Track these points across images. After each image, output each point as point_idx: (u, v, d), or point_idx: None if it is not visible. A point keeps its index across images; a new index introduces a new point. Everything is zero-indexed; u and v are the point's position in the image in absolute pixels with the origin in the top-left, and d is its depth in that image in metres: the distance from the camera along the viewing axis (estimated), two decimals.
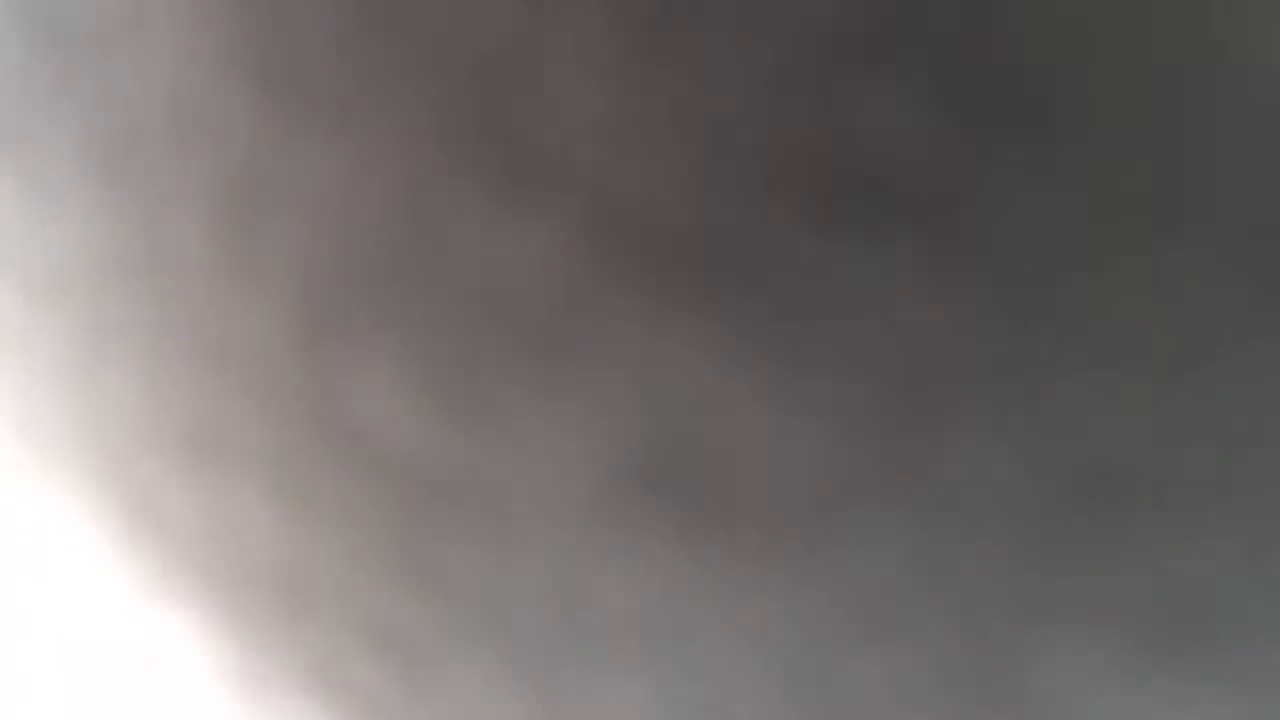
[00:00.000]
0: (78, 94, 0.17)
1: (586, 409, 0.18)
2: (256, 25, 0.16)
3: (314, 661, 0.24)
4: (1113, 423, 0.16)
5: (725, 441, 0.18)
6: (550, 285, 0.17)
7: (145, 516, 0.23)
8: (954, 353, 0.16)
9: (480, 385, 0.18)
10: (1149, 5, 0.14)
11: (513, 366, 0.18)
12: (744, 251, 0.16)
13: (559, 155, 0.16)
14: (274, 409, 0.20)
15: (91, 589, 0.24)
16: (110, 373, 0.21)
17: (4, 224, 0.19)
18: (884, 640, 0.19)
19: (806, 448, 0.17)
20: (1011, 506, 0.17)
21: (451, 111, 0.16)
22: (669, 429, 0.18)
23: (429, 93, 0.16)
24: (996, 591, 0.18)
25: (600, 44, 0.15)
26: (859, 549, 0.18)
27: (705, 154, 0.15)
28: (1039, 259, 0.15)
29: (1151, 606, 0.17)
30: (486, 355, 0.18)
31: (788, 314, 0.16)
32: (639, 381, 0.17)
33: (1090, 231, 0.15)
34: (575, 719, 0.22)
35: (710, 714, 0.20)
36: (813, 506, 0.18)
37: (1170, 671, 0.17)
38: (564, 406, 0.18)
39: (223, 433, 0.21)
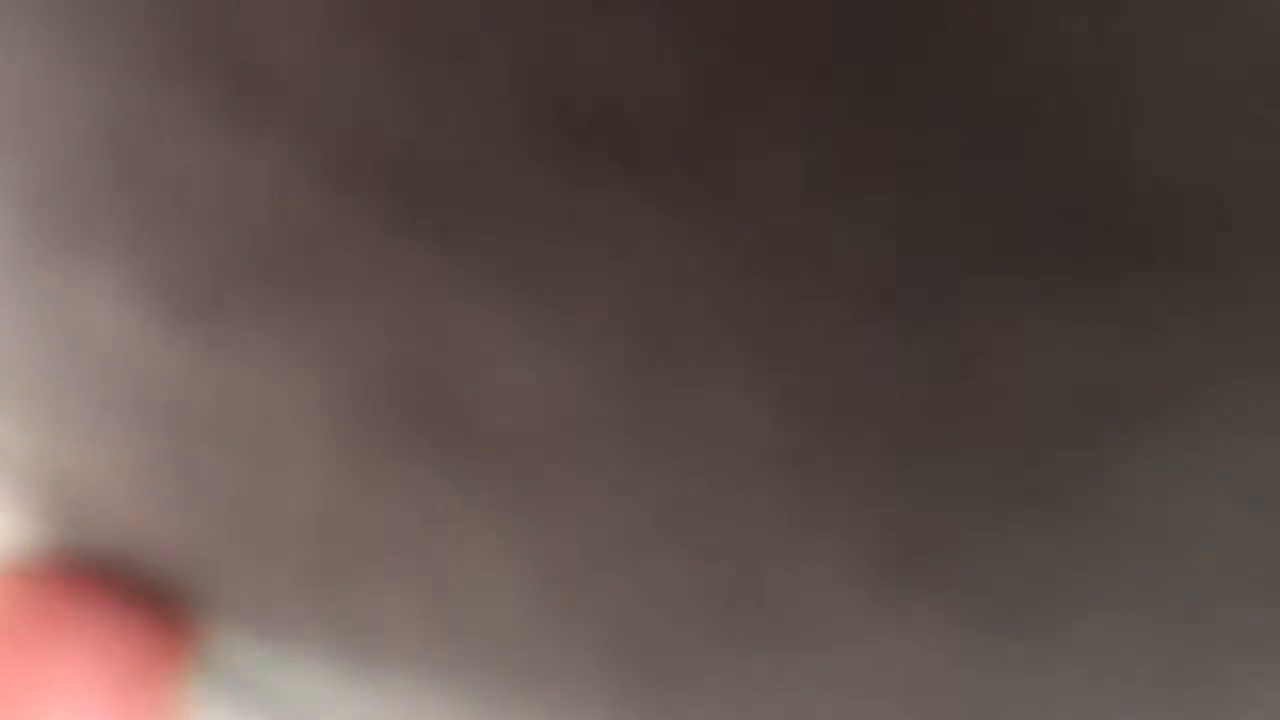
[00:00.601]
0: None
1: (330, 337, 0.18)
2: None
3: None
4: (860, 369, 0.16)
5: (468, 374, 0.18)
6: (282, 210, 0.17)
7: None
8: (701, 295, 0.16)
9: (221, 308, 0.18)
10: None
11: (252, 290, 0.18)
12: (478, 182, 0.16)
13: (282, 75, 0.15)
14: (12, 317, 0.19)
15: None
16: None
17: None
18: (623, 570, 0.19)
19: (550, 384, 0.17)
20: (759, 451, 0.17)
21: (164, 17, 0.15)
22: (414, 361, 0.18)
23: None
24: (740, 530, 0.18)
25: None
26: (602, 483, 0.18)
27: (436, 80, 0.15)
28: (786, 205, 0.15)
29: (892, 530, 0.18)
30: (222, 276, 0.18)
31: (528, 250, 0.16)
32: (381, 312, 0.17)
33: (836, 183, 0.15)
34: (353, 625, 0.22)
35: (474, 619, 0.21)
36: (556, 440, 0.18)
37: (900, 583, 0.18)
38: (307, 334, 0.18)
39: None
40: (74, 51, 0.16)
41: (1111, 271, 0.15)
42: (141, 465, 0.21)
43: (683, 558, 0.19)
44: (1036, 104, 0.14)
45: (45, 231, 0.18)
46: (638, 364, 0.17)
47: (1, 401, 0.21)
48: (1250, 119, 0.14)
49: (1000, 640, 0.19)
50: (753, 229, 0.16)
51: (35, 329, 0.19)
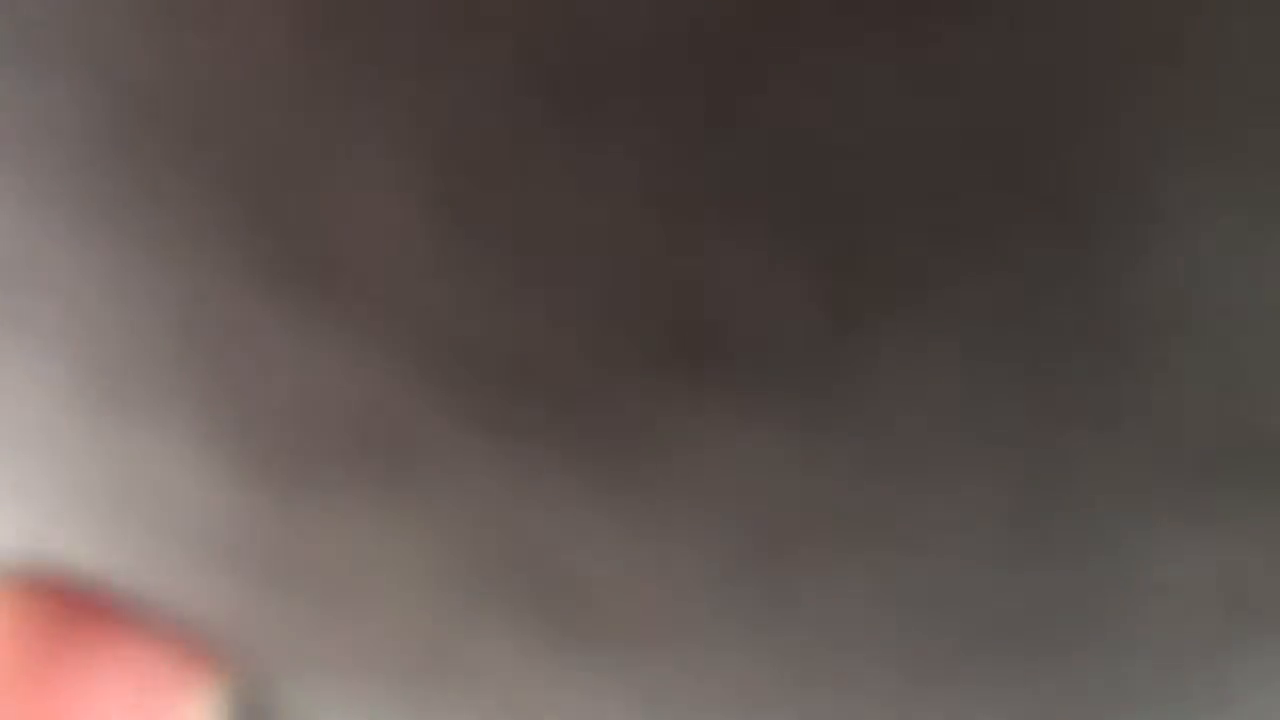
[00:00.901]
0: None
1: (426, 525, 0.17)
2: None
3: None
4: (989, 575, 0.16)
5: (571, 548, 0.17)
6: (360, 399, 0.16)
7: None
8: (817, 501, 0.15)
9: (298, 482, 0.17)
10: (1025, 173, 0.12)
11: (332, 468, 0.17)
12: (577, 386, 0.15)
13: (372, 275, 0.14)
14: (82, 486, 0.18)
15: None
16: None
17: None
18: None
19: (660, 566, 0.17)
20: (882, 642, 0.17)
21: (238, 219, 0.14)
22: (515, 532, 0.17)
23: (212, 193, 0.14)
24: (864, 702, 0.18)
25: (414, 168, 0.13)
26: (715, 659, 0.18)
27: (533, 292, 0.14)
28: (904, 420, 0.14)
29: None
30: (297, 457, 0.17)
31: (629, 450, 0.15)
32: (477, 490, 0.16)
33: (969, 404, 0.14)
34: None
35: None
36: (669, 616, 0.17)
37: None
38: (396, 505, 0.17)
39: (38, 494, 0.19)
40: (150, 246, 0.15)
41: (1246, 490, 0.14)
42: (206, 587, 0.19)
43: None
44: (1182, 329, 0.13)
45: (117, 401, 0.17)
46: (753, 557, 0.16)
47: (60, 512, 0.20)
48: None
49: None
50: (879, 440, 0.14)
51: (103, 467, 0.18)
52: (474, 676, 0.19)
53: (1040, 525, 0.15)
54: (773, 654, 0.17)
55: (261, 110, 0.13)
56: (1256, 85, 0.11)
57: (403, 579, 0.18)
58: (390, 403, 0.15)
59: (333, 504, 0.17)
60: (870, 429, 0.14)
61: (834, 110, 0.12)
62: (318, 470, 0.17)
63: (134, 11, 0.13)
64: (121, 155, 0.14)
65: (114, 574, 0.20)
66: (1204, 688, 0.16)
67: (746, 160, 0.12)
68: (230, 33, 0.12)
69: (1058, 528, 0.15)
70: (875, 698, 0.17)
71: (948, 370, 0.14)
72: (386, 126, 0.13)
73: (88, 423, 0.17)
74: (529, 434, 0.15)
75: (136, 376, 0.16)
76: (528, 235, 0.13)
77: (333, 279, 0.14)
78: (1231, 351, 0.13)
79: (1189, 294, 0.13)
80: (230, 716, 0.24)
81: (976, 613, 0.16)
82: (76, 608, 0.22)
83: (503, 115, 0.12)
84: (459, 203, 0.13)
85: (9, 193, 0.15)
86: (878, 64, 0.11)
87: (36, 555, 0.22)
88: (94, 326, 0.16)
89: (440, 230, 0.14)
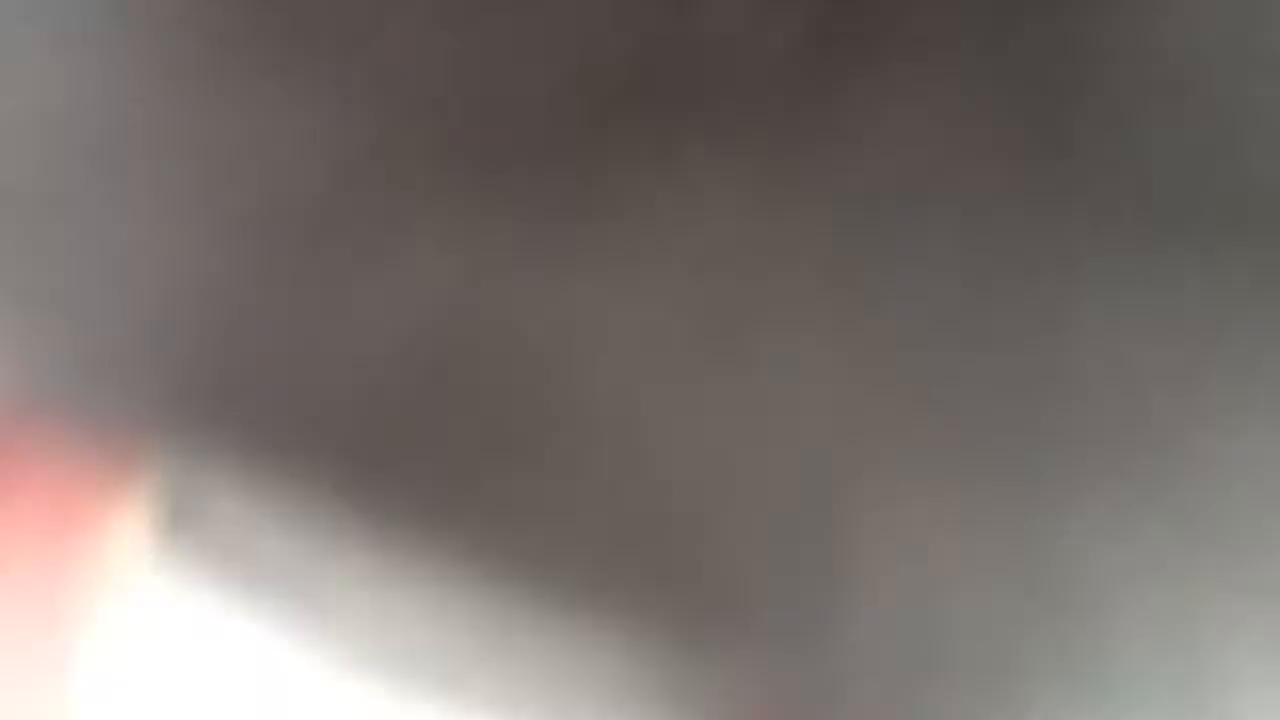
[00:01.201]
0: None
1: (384, 305, 0.17)
2: None
3: None
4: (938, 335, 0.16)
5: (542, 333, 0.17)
6: (341, 173, 0.16)
7: None
8: (777, 257, 0.16)
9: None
10: None
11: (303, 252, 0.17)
12: (551, 152, 0.15)
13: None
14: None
15: None
16: None
17: None
18: None
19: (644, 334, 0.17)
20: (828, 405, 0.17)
21: None
22: (476, 331, 0.17)
23: None
24: None
25: None
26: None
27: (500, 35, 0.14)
28: (877, 176, 0.15)
29: None
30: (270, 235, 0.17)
31: (601, 215, 0.16)
32: (442, 279, 0.17)
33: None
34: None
35: None
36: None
37: None
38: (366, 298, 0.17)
39: None
40: None
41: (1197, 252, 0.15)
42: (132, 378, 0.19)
43: None
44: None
45: None
46: (721, 316, 0.16)
47: None
48: None
49: None
50: (849, 200, 0.15)
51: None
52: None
53: (996, 289, 0.16)
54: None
55: None
56: None
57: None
58: (358, 171, 0.15)
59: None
60: (841, 184, 0.15)
61: None
62: (279, 243, 0.17)
63: None
64: None
65: (27, 375, 0.20)
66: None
67: None
68: None
69: (1015, 295, 0.16)
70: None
71: (922, 134, 0.14)
72: None
73: None
74: (497, 206, 0.16)
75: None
76: None
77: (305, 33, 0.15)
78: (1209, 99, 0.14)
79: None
80: (157, 520, 0.23)
81: (935, 376, 0.16)
82: None
83: None
84: None
85: None
86: None
87: None
88: None
89: None
